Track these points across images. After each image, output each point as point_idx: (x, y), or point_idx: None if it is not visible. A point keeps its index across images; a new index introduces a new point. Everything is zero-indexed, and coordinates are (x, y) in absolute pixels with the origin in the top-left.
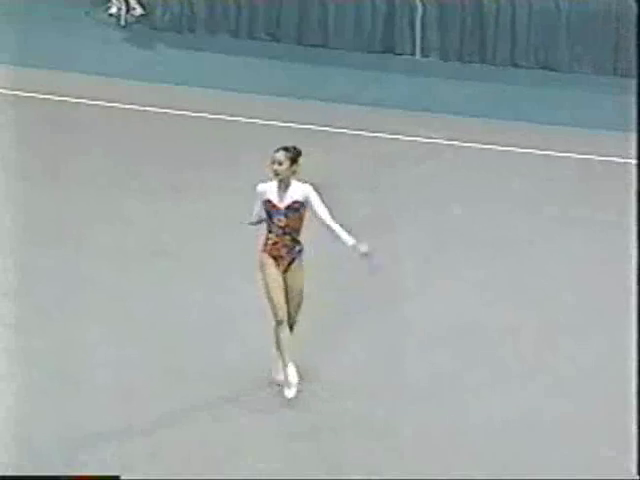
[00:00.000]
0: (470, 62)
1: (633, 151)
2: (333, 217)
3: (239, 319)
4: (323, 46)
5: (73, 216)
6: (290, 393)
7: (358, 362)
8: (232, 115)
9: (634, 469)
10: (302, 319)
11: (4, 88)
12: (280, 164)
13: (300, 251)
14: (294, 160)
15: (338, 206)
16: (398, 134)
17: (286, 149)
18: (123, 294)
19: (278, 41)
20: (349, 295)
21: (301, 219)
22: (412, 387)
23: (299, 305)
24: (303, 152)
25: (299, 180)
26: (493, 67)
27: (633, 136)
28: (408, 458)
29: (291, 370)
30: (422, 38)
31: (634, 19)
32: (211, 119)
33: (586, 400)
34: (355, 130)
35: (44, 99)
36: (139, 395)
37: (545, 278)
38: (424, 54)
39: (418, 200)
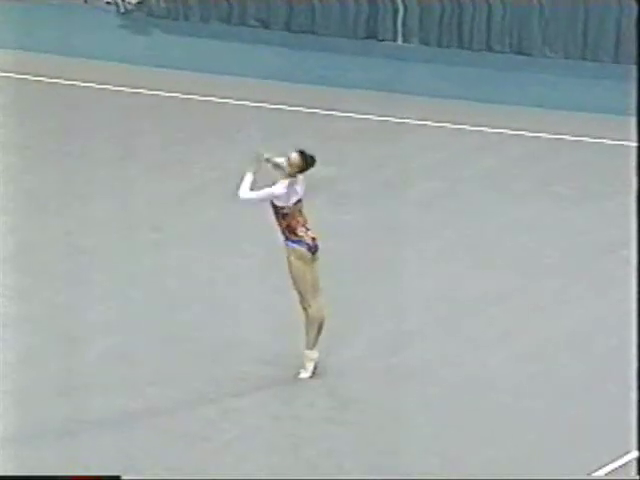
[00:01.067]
0: (448, 47)
1: (602, 131)
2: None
3: (226, 286)
4: (310, 32)
5: (72, 189)
6: (304, 374)
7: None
8: (222, 97)
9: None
10: None
11: (5, 71)
12: (291, 165)
13: None
14: (303, 169)
15: (311, 182)
16: (371, 114)
17: (302, 154)
18: (118, 261)
19: (268, 27)
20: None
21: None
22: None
23: None
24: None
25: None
26: (470, 52)
27: (600, 116)
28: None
29: (311, 355)
30: (403, 25)
31: (602, 5)
32: (201, 101)
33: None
34: (329, 110)
35: (40, 81)
36: (137, 361)
37: (516, 245)
38: (405, 40)
39: (387, 177)
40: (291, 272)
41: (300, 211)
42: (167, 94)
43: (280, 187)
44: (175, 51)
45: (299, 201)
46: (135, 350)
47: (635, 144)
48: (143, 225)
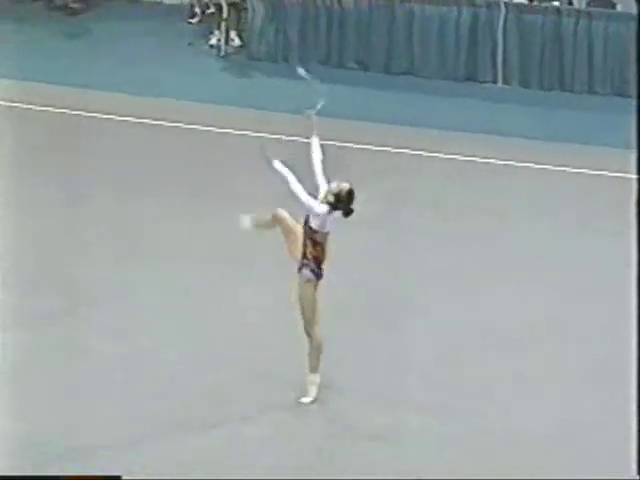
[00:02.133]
0: (549, 89)
1: None
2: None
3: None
4: (409, 74)
5: (163, 229)
6: (306, 400)
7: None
8: (324, 139)
9: (634, 469)
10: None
11: (115, 114)
12: (334, 194)
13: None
14: (340, 203)
15: (407, 221)
16: (474, 156)
17: (352, 191)
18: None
19: (367, 69)
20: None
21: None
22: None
23: None
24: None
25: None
26: (571, 94)
27: None
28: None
29: (314, 379)
30: (503, 67)
31: None
32: (305, 142)
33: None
34: (432, 152)
35: (143, 123)
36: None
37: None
38: (505, 82)
39: (486, 217)
40: (302, 299)
41: (328, 246)
42: (254, 134)
43: (321, 207)
44: (275, 93)
45: (328, 234)
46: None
47: None
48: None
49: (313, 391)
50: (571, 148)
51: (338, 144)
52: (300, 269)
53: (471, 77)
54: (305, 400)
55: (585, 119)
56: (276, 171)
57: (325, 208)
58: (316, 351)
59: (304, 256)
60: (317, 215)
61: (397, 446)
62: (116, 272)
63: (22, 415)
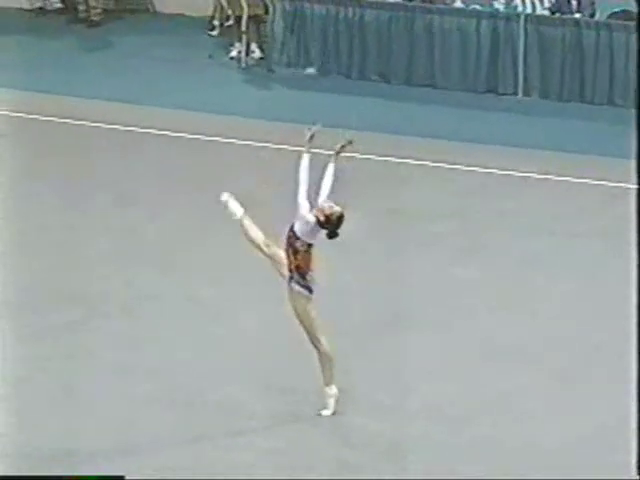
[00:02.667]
0: (569, 101)
1: None
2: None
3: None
4: (430, 86)
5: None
6: (326, 412)
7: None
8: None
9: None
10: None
11: (137, 127)
12: (324, 214)
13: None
14: (327, 224)
15: (431, 235)
16: (493, 168)
17: (342, 216)
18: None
19: (388, 81)
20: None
21: None
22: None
23: None
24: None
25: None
26: (591, 105)
27: None
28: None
29: (330, 391)
30: (524, 78)
31: None
32: (315, 153)
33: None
34: (453, 165)
35: (162, 135)
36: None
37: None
38: (526, 93)
39: (505, 231)
40: (297, 312)
41: (311, 257)
42: (276, 146)
43: (311, 215)
44: (295, 105)
45: (311, 246)
46: None
47: None
48: None
49: (331, 404)
50: (591, 160)
51: (359, 156)
52: (289, 282)
53: (492, 89)
54: (325, 413)
55: (605, 131)
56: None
57: (314, 219)
58: (327, 364)
59: (289, 269)
60: (303, 219)
61: (405, 457)
62: (129, 283)
63: (25, 419)
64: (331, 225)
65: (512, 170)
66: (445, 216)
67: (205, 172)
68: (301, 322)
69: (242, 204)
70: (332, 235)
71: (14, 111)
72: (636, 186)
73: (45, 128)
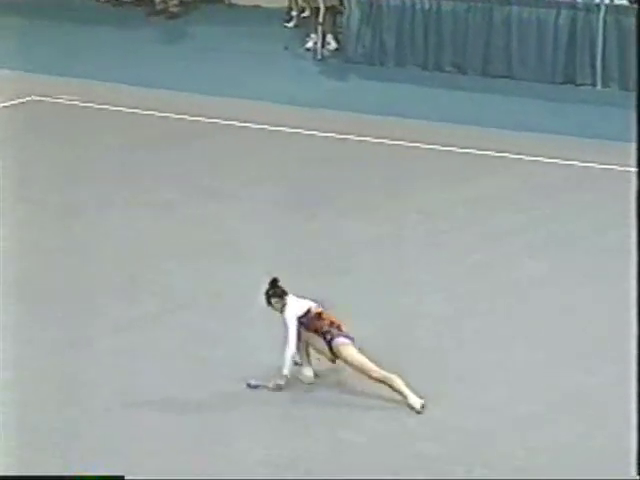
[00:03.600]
0: None
1: None
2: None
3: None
4: (507, 77)
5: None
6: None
7: None
8: (412, 141)
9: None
10: None
11: (205, 117)
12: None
13: None
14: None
15: (502, 228)
16: (574, 160)
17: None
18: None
19: (464, 73)
20: None
21: None
22: None
23: None
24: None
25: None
26: None
27: None
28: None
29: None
30: (602, 69)
31: None
32: (391, 145)
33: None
34: (532, 156)
35: (245, 127)
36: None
37: None
38: (604, 85)
39: (576, 225)
40: (348, 361)
41: (330, 314)
42: (356, 138)
43: (284, 314)
44: (372, 96)
45: (309, 311)
46: None
47: None
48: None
49: (417, 401)
50: None
51: (439, 147)
52: (330, 341)
53: (570, 80)
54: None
55: None
56: None
57: (292, 305)
58: (397, 388)
59: (323, 334)
60: (285, 319)
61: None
62: (211, 275)
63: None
64: (266, 293)
65: (592, 162)
66: (525, 208)
67: (290, 165)
68: (355, 368)
69: None
70: (268, 298)
71: (86, 102)
72: None
73: (130, 120)
